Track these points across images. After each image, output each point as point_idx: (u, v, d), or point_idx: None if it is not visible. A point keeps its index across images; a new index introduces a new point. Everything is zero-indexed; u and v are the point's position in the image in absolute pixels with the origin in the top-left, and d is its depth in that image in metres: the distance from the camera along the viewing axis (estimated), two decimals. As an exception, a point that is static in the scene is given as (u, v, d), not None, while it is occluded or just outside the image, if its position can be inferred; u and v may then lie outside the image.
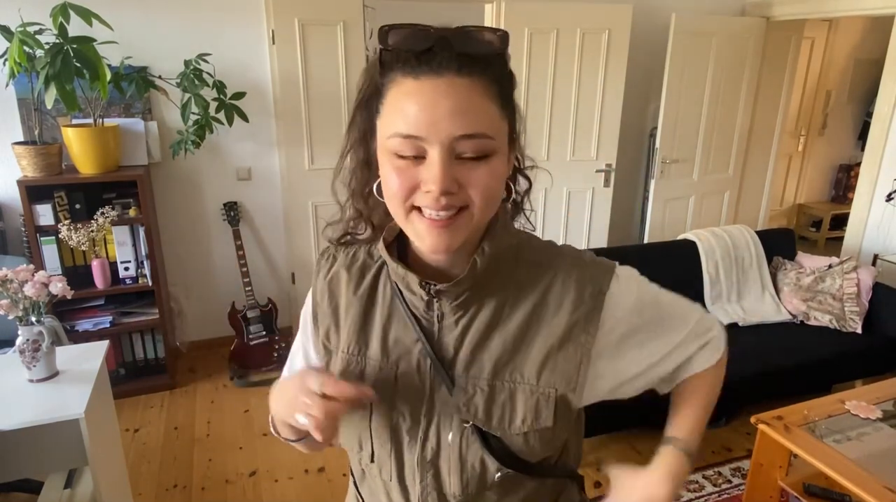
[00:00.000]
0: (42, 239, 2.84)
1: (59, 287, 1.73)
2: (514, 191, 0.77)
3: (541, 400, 0.74)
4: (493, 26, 0.78)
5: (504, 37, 0.66)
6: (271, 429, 0.87)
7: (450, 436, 0.75)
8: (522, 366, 0.75)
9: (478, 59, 0.64)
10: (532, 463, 0.77)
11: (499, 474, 0.75)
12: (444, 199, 0.64)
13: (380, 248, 0.76)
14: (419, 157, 0.64)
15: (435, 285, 0.73)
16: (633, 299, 0.77)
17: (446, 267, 0.75)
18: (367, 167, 0.75)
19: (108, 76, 2.59)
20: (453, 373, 0.75)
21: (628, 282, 0.78)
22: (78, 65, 2.49)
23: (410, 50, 0.64)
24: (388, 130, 0.66)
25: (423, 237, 0.68)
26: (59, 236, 2.76)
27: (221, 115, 3.01)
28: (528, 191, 0.81)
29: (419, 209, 0.67)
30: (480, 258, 0.72)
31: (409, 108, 0.63)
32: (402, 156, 0.65)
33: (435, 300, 0.74)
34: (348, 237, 0.83)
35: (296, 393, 0.69)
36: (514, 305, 0.75)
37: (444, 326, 0.75)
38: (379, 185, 0.72)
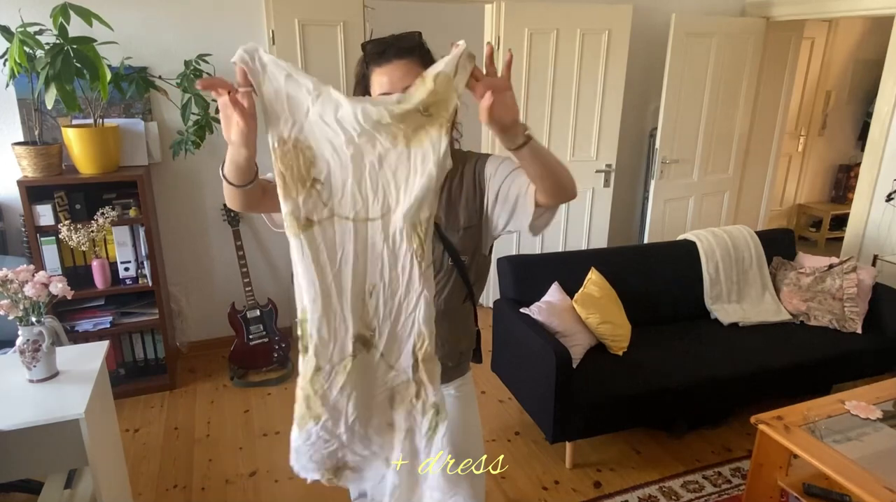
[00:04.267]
0: (42, 239, 2.84)
1: (59, 287, 1.73)
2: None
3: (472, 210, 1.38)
4: (413, 31, 1.34)
5: (419, 35, 1.29)
6: (222, 176, 1.17)
7: None
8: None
9: (407, 49, 1.25)
10: (462, 262, 1.38)
11: (450, 261, 1.37)
12: None
13: None
14: None
15: None
16: (496, 164, 1.37)
17: None
18: None
19: (109, 76, 2.59)
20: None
21: (494, 159, 1.38)
22: (78, 65, 2.49)
23: (375, 51, 1.26)
24: (375, 91, 1.26)
25: None
26: (60, 236, 2.77)
27: (221, 116, 3.01)
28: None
29: None
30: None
31: (382, 79, 1.25)
32: None
33: None
34: None
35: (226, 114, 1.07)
36: (463, 170, 1.38)
37: None
38: None
